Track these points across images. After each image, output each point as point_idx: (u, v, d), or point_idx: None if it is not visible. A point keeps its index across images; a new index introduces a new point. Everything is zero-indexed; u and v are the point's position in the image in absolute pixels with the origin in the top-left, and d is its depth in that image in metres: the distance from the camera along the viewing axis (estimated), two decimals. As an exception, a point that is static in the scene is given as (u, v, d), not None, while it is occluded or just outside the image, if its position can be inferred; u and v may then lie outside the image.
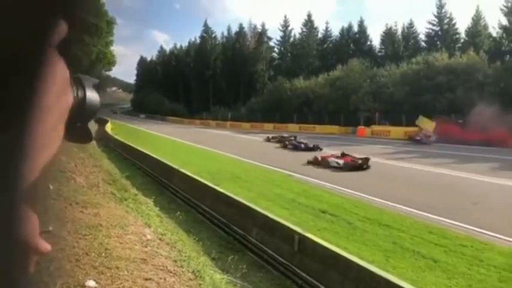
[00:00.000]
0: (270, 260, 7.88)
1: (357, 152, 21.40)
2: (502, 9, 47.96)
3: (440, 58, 43.61)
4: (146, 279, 4.03)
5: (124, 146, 23.30)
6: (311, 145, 26.18)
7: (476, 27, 51.94)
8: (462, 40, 54.17)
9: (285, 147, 27.77)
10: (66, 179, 7.43)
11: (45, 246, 0.51)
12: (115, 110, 75.29)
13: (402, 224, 9.72)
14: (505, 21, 47.86)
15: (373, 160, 18.73)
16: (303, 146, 26.35)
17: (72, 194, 6.26)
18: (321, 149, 25.43)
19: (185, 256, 5.41)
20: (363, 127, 41.73)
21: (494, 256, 7.77)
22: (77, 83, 0.62)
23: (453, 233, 9.03)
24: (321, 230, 9.36)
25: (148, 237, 5.39)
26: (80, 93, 0.61)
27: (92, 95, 0.63)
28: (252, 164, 19.88)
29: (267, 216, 8.47)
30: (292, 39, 74.94)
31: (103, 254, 4.15)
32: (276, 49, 77.58)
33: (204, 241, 8.63)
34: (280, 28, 76.02)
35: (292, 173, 16.91)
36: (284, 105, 55.88)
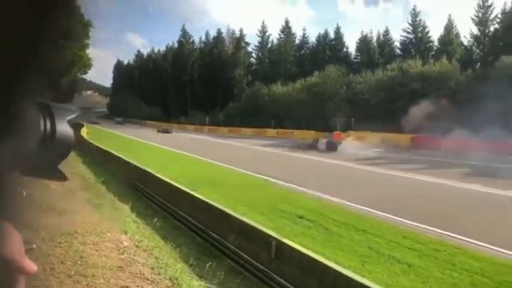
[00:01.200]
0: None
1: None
2: (473, 19, 49.47)
3: (415, 65, 44.59)
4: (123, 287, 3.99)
5: (99, 150, 22.96)
6: None
7: (449, 36, 53.26)
8: (435, 48, 55.43)
9: None
10: (41, 185, 7.27)
11: (31, 265, 0.49)
12: (93, 120, 69.93)
13: (378, 229, 9.86)
14: (476, 31, 49.39)
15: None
16: None
17: (46, 201, 6.14)
18: None
19: (162, 263, 5.37)
20: (338, 132, 42.20)
21: (467, 260, 7.96)
22: (46, 113, 0.50)
23: (426, 237, 9.21)
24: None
25: (125, 244, 5.33)
26: (49, 127, 0.49)
27: (64, 129, 0.51)
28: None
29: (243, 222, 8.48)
30: (270, 45, 75.26)
31: (78, 262, 4.08)
32: (254, 54, 77.77)
33: (182, 247, 8.57)
34: (258, 34, 76.30)
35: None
36: (262, 110, 56.05)
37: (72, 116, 0.55)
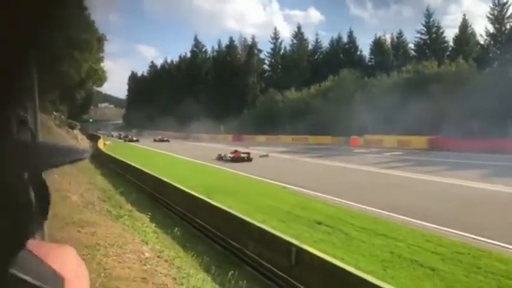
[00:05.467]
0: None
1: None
2: (488, 17, 48.88)
3: (430, 66, 44.14)
4: (147, 299, 4.00)
5: (117, 162, 23.23)
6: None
7: (464, 35, 52.69)
8: (450, 48, 54.88)
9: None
10: (62, 198, 7.38)
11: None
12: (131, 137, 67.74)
13: (399, 233, 9.73)
14: (492, 29, 48.77)
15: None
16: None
17: (68, 213, 6.22)
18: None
19: (184, 273, 5.38)
20: (356, 137, 41.90)
21: (492, 263, 7.79)
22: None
23: (449, 240, 9.05)
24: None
25: (147, 255, 5.35)
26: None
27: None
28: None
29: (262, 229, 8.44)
30: (282, 51, 75.45)
31: (102, 274, 4.11)
32: (266, 61, 78.05)
33: (202, 256, 8.57)
34: (271, 40, 76.58)
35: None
36: (276, 116, 56.05)
37: (79, 158, 0.45)
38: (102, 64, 43.71)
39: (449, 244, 8.83)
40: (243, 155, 27.97)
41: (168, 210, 13.28)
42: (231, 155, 28.11)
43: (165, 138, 61.75)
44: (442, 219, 10.55)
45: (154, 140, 59.80)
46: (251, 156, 27.99)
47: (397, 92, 42.59)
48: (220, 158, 28.72)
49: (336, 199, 13.81)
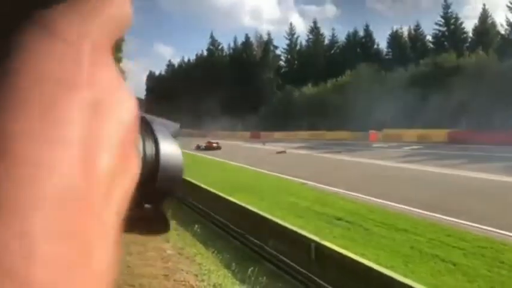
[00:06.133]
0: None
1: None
2: (509, 7, 47.82)
3: (449, 59, 43.44)
4: (169, 295, 4.08)
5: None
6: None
7: (484, 26, 51.66)
8: (470, 39, 53.90)
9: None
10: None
11: None
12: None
13: (419, 228, 9.65)
14: (512, 18, 47.74)
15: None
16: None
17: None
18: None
19: (205, 270, 5.45)
20: (374, 131, 41.53)
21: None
22: (144, 129, 0.32)
23: (471, 235, 8.94)
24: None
25: (168, 252, 5.44)
26: (149, 149, 0.32)
27: (172, 152, 0.33)
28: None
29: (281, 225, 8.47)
30: (298, 46, 75.21)
31: (125, 272, 4.20)
32: (282, 57, 77.93)
33: (222, 253, 8.64)
34: (286, 36, 76.39)
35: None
36: (293, 112, 55.92)
37: (176, 128, 0.39)
38: (120, 64, 44.22)
39: (471, 238, 8.73)
40: (214, 145, 38.74)
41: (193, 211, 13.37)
42: (204, 145, 38.80)
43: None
44: (465, 214, 10.43)
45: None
46: (220, 145, 38.85)
47: (415, 85, 42.08)
48: (198, 148, 37.70)
49: (355, 194, 13.76)
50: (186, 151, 34.27)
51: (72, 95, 0.21)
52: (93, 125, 0.21)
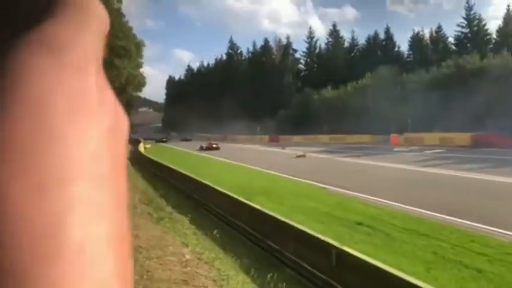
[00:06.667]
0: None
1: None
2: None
3: (472, 60, 42.62)
4: (188, 300, 4.08)
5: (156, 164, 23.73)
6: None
7: (509, 27, 50.61)
8: (493, 41, 52.86)
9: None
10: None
11: None
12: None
13: (442, 234, 9.46)
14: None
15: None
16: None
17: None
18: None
19: (224, 275, 5.44)
20: (395, 135, 41.00)
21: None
22: None
23: (497, 241, 8.72)
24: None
25: (187, 257, 5.45)
26: None
27: None
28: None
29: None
30: (318, 49, 75.01)
31: (145, 277, 4.22)
32: (302, 60, 77.81)
33: (242, 258, 8.62)
34: (306, 39, 76.25)
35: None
36: (313, 116, 55.67)
37: None
38: (141, 70, 44.74)
39: (497, 244, 8.51)
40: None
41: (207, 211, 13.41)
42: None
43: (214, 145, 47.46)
44: (485, 218, 10.19)
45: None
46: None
47: (437, 87, 41.40)
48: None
49: (377, 199, 13.59)
50: (215, 157, 34.58)
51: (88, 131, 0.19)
52: (113, 152, 0.21)
